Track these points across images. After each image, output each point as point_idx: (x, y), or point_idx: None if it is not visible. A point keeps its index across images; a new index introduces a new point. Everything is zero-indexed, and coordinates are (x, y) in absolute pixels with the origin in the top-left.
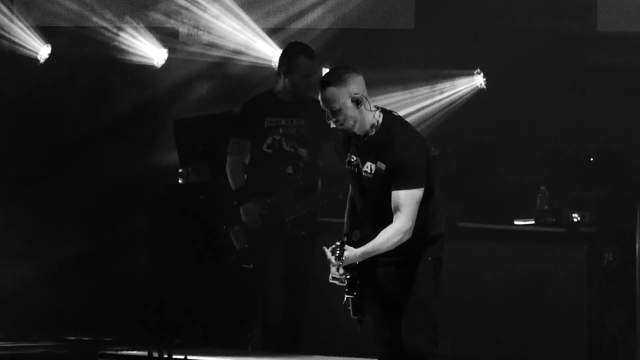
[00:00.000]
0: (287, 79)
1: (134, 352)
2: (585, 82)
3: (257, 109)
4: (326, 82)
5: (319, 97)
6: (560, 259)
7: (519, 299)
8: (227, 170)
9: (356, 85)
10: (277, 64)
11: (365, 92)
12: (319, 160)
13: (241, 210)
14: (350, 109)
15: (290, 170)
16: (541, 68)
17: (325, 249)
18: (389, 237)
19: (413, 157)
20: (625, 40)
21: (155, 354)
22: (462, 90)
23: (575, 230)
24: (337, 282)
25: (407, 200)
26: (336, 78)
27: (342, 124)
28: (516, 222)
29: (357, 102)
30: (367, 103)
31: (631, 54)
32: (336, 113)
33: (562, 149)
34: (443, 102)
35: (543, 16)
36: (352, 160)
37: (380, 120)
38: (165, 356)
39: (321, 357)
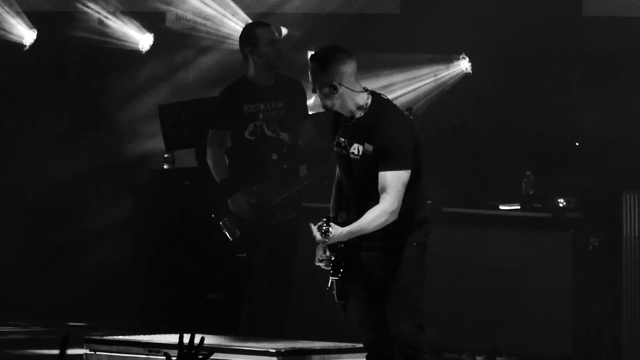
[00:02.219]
0: (255, 57)
1: (120, 337)
2: (571, 67)
3: (234, 97)
4: (313, 58)
5: None
6: (545, 244)
7: (504, 284)
8: (209, 162)
9: (337, 73)
10: (241, 54)
11: (352, 77)
12: (299, 139)
13: (229, 201)
14: (326, 94)
15: (274, 156)
16: (527, 53)
17: (312, 226)
18: (375, 216)
19: (400, 139)
20: (610, 25)
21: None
22: (447, 75)
23: (561, 215)
24: (322, 265)
25: (393, 181)
26: (321, 59)
27: (321, 99)
28: (501, 207)
29: (333, 88)
30: (349, 90)
31: (617, 39)
32: (314, 89)
33: (547, 134)
34: (428, 87)
35: (529, 0)
36: (341, 141)
37: (369, 102)
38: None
39: (307, 342)
